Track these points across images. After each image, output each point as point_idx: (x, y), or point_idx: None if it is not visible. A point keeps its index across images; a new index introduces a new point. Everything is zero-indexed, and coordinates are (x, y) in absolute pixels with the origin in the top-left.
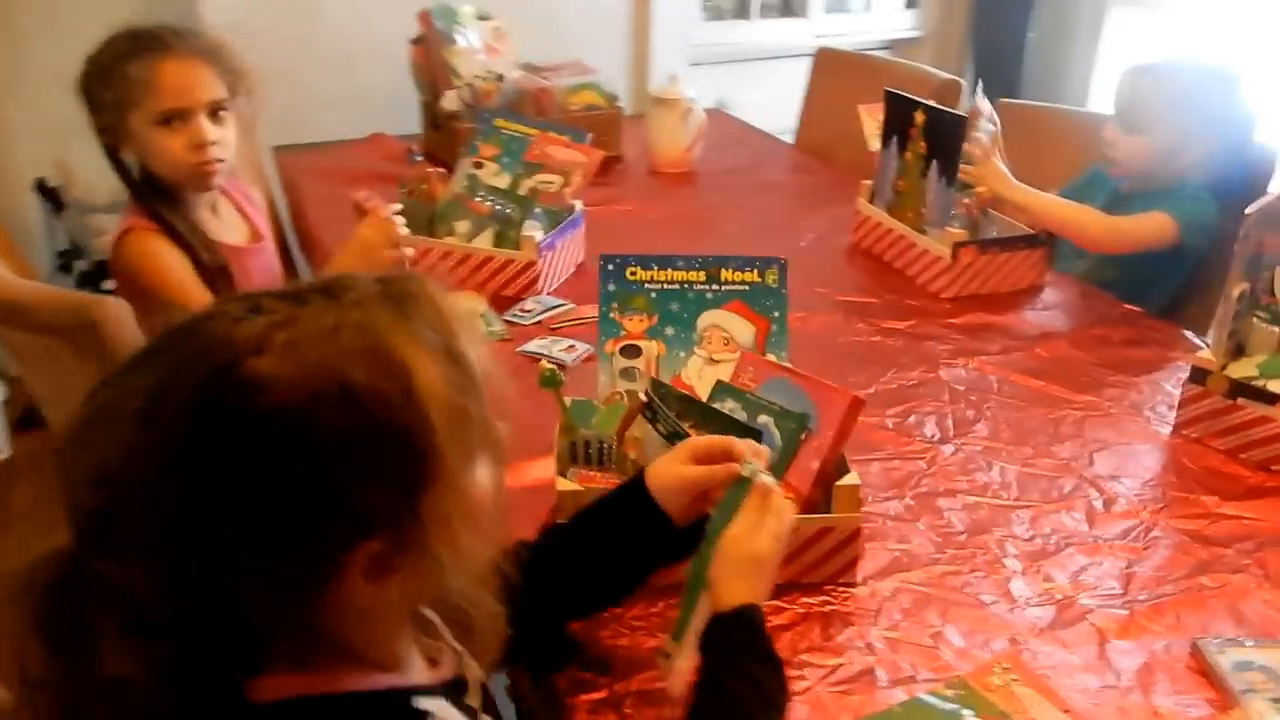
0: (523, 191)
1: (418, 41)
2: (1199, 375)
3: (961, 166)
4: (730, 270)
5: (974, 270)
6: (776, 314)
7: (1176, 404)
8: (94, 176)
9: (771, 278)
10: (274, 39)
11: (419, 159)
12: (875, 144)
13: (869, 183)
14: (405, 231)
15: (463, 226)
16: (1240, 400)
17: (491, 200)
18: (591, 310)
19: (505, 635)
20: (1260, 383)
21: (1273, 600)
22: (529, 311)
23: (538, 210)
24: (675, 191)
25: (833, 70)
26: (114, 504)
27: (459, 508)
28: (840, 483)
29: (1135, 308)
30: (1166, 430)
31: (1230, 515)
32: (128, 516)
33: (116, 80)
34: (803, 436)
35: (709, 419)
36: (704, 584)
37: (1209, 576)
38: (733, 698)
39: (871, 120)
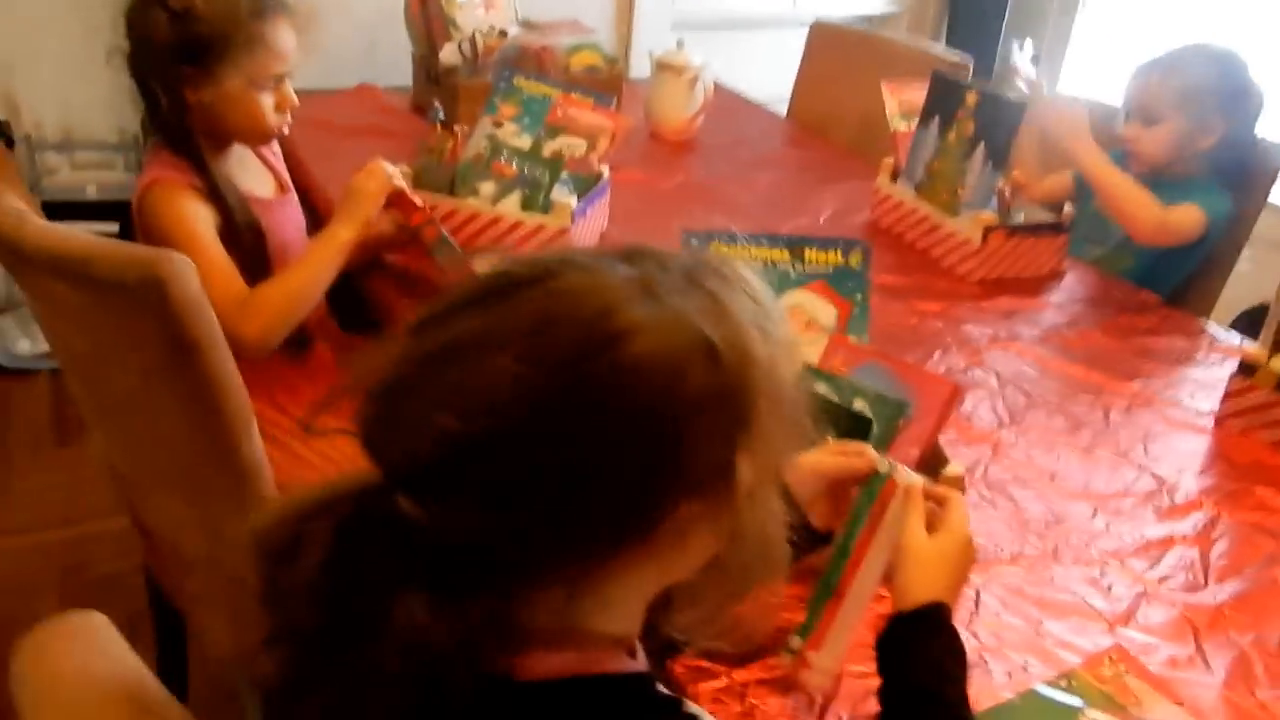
0: (546, 155)
1: None
2: (1247, 369)
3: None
4: (814, 250)
5: (1001, 255)
6: (858, 297)
7: (1217, 395)
8: (43, 111)
9: (855, 260)
10: None
11: (441, 118)
12: (899, 124)
13: (890, 160)
14: (403, 183)
15: (487, 189)
16: None
17: (518, 162)
18: None
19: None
20: None
21: None
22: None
23: (564, 175)
24: (679, 160)
25: (827, 44)
26: (464, 447)
27: (765, 480)
28: (946, 473)
29: (1151, 295)
30: (1207, 421)
31: None
32: (479, 460)
33: (227, 27)
34: (900, 423)
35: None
36: (832, 592)
37: None
38: (926, 695)
39: (894, 99)
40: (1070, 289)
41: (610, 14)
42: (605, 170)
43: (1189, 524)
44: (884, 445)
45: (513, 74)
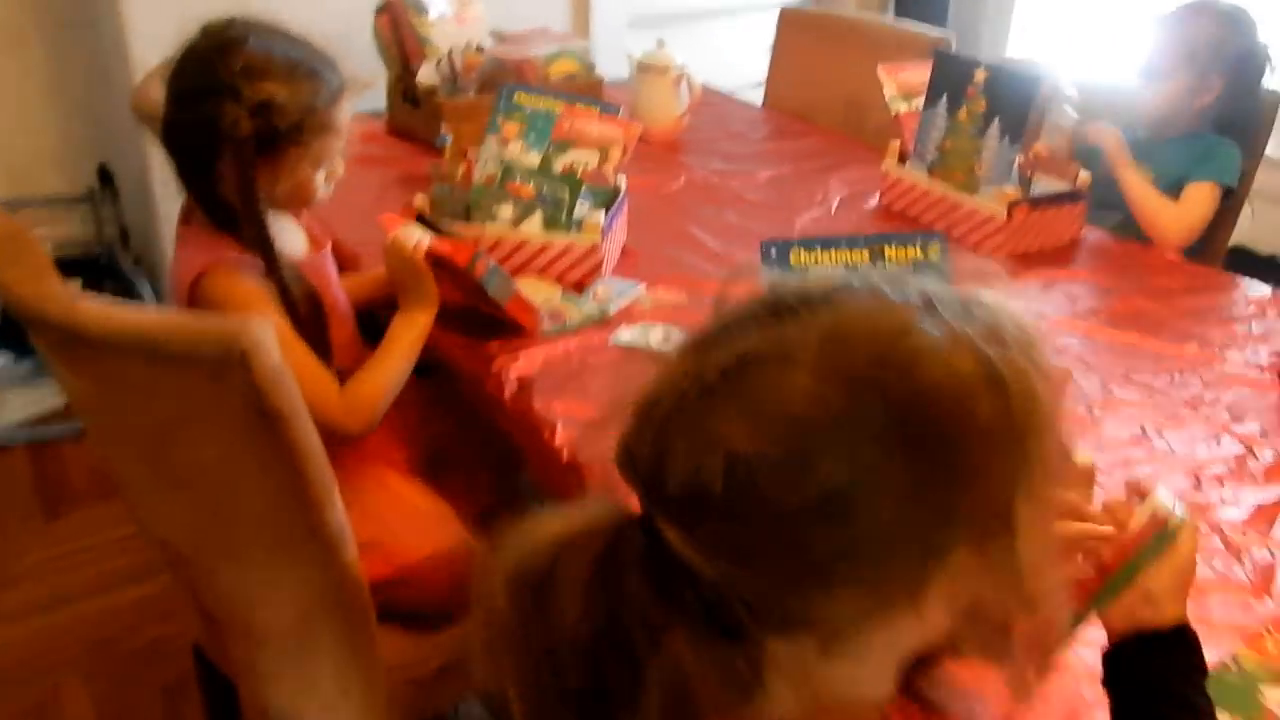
0: (557, 170)
1: (383, 10)
2: None
3: (1091, 129)
4: (893, 248)
5: (1025, 228)
6: None
7: (1266, 348)
8: None
9: (934, 253)
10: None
11: (449, 140)
12: (900, 105)
13: (896, 143)
14: (423, 234)
15: (505, 211)
16: None
17: (535, 181)
18: (671, 294)
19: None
20: None
21: None
22: (605, 298)
23: (585, 190)
24: (675, 161)
25: (798, 30)
26: (750, 469)
27: (1043, 521)
28: (1078, 462)
29: (1172, 256)
30: (1268, 375)
31: None
32: (761, 484)
33: (305, 117)
34: None
35: None
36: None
37: None
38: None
39: (892, 81)
40: (1094, 256)
41: (566, 16)
42: (622, 181)
43: None
44: None
45: (513, 90)
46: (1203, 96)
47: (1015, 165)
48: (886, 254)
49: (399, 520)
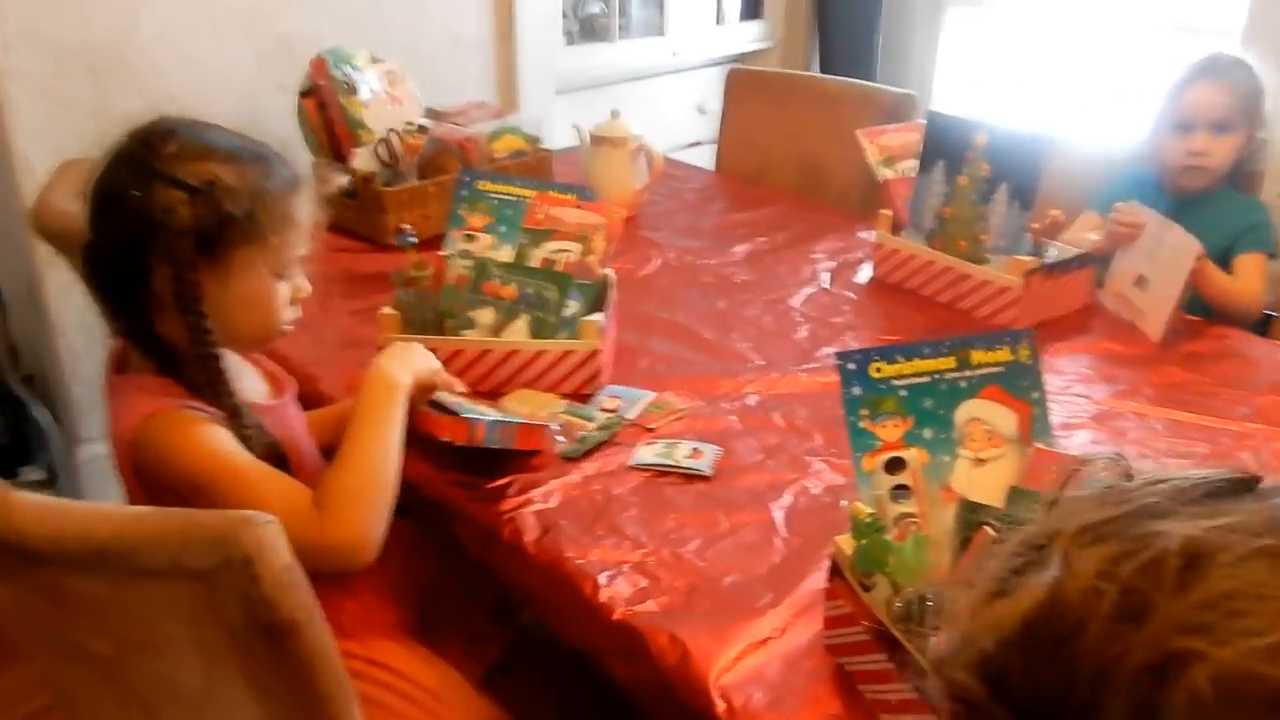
0: (533, 264)
1: (309, 93)
2: None
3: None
4: (980, 350)
5: (1041, 297)
6: (1035, 395)
7: None
8: None
9: (1025, 354)
10: (129, 95)
11: (411, 240)
12: (884, 171)
13: (888, 212)
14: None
15: (485, 317)
16: None
17: (516, 280)
18: (683, 399)
19: None
20: None
21: None
22: (613, 411)
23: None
24: (641, 240)
25: (748, 91)
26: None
27: None
28: None
29: (1188, 315)
30: None
31: None
32: None
33: (256, 205)
34: None
35: None
36: None
37: None
38: None
39: (873, 145)
40: (1108, 322)
41: (492, 86)
42: (611, 274)
43: None
44: None
45: (474, 177)
46: (1247, 147)
47: (1026, 232)
48: (973, 358)
49: (413, 711)
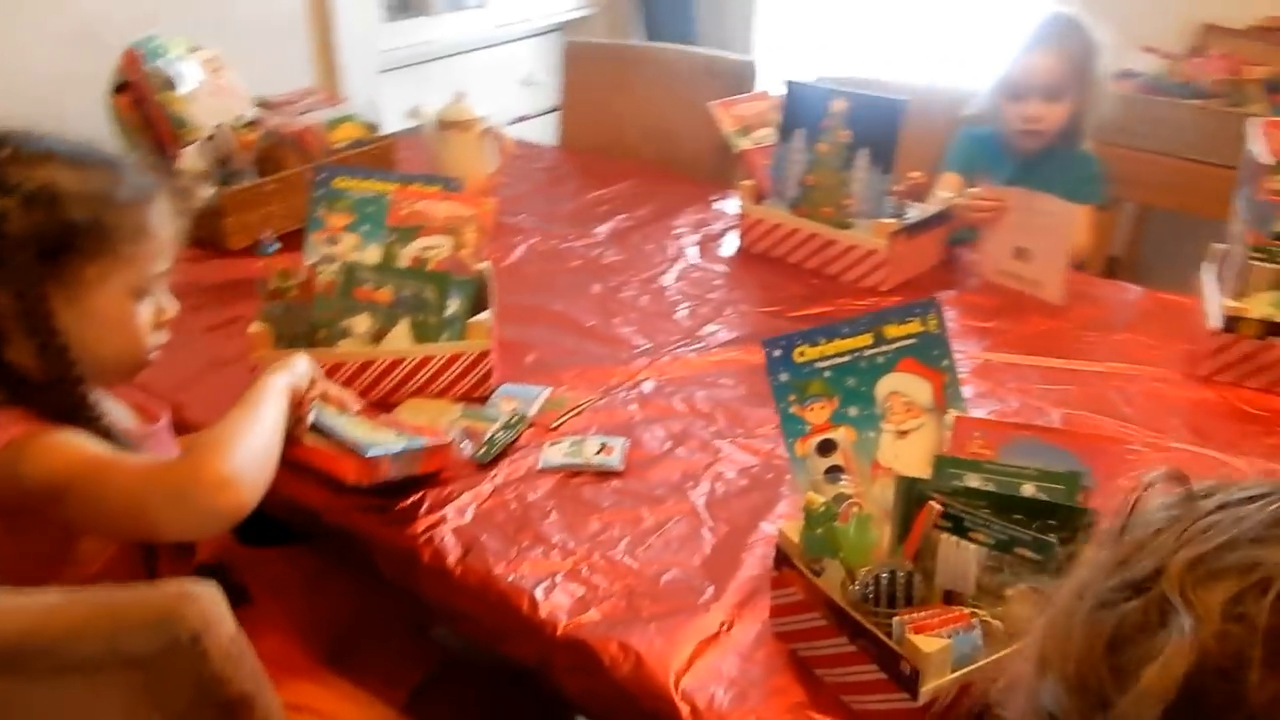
0: (402, 263)
1: (123, 89)
2: (1232, 324)
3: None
4: (894, 325)
5: (904, 257)
6: (945, 363)
7: (1172, 350)
8: None
9: (933, 324)
10: None
11: (275, 247)
12: (742, 141)
13: (750, 183)
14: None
15: (361, 325)
16: (1272, 339)
17: (392, 283)
18: (579, 392)
19: None
20: None
21: None
22: (512, 414)
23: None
24: (501, 224)
25: (588, 63)
26: None
27: None
28: None
29: None
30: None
31: None
32: None
33: (103, 211)
34: (1080, 498)
35: (1005, 508)
36: None
37: None
38: None
39: (728, 116)
40: (962, 278)
41: (310, 69)
42: (488, 267)
43: None
44: (1078, 529)
45: (330, 174)
46: (1082, 110)
47: (888, 195)
48: (888, 333)
49: None
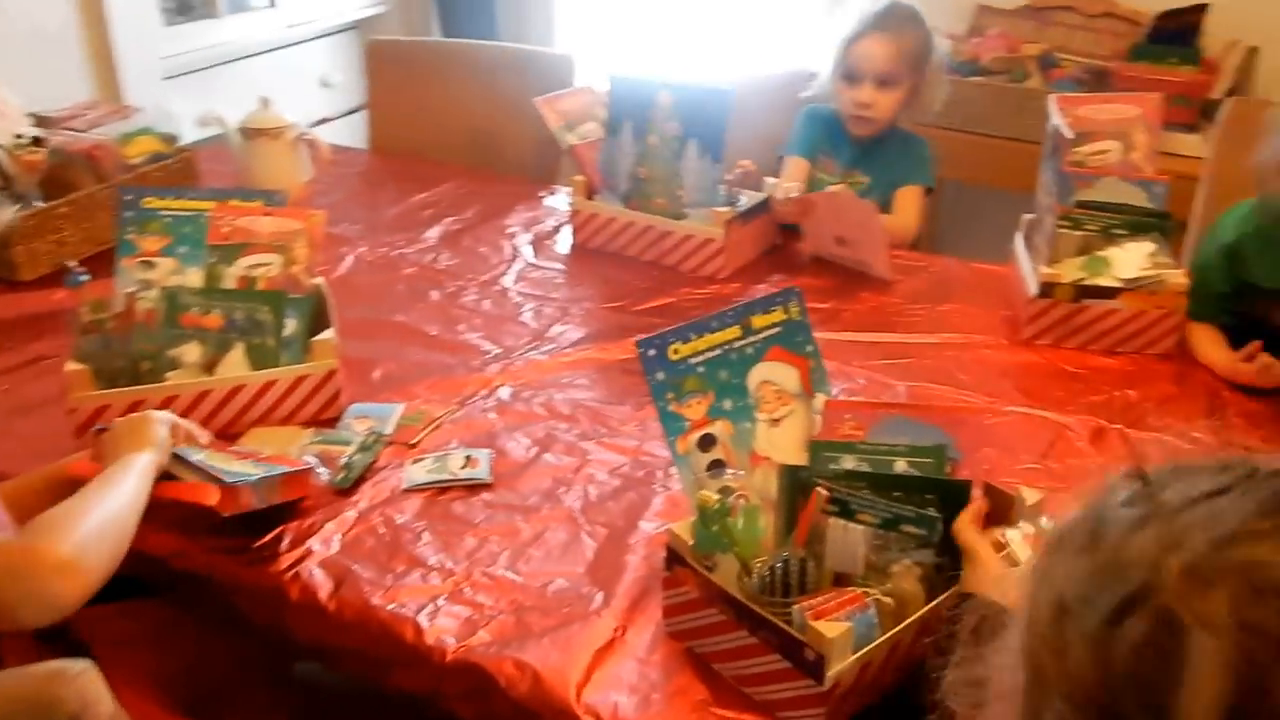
0: (228, 284)
1: None
2: (1047, 289)
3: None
4: (759, 315)
5: (739, 244)
6: (810, 348)
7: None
8: None
9: (795, 311)
10: None
11: (83, 278)
12: (569, 137)
13: (581, 178)
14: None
15: (190, 353)
16: (1085, 301)
17: (220, 306)
18: (435, 405)
19: None
20: (1093, 282)
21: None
22: (367, 434)
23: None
24: (325, 235)
25: (394, 63)
26: None
27: None
28: (1029, 501)
29: None
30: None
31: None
32: None
33: None
34: (948, 470)
35: (884, 487)
36: None
37: None
38: None
39: (553, 112)
40: (791, 260)
41: (87, 78)
42: (322, 283)
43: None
44: (953, 504)
45: (138, 194)
46: (914, 97)
47: (720, 184)
48: (754, 324)
49: None
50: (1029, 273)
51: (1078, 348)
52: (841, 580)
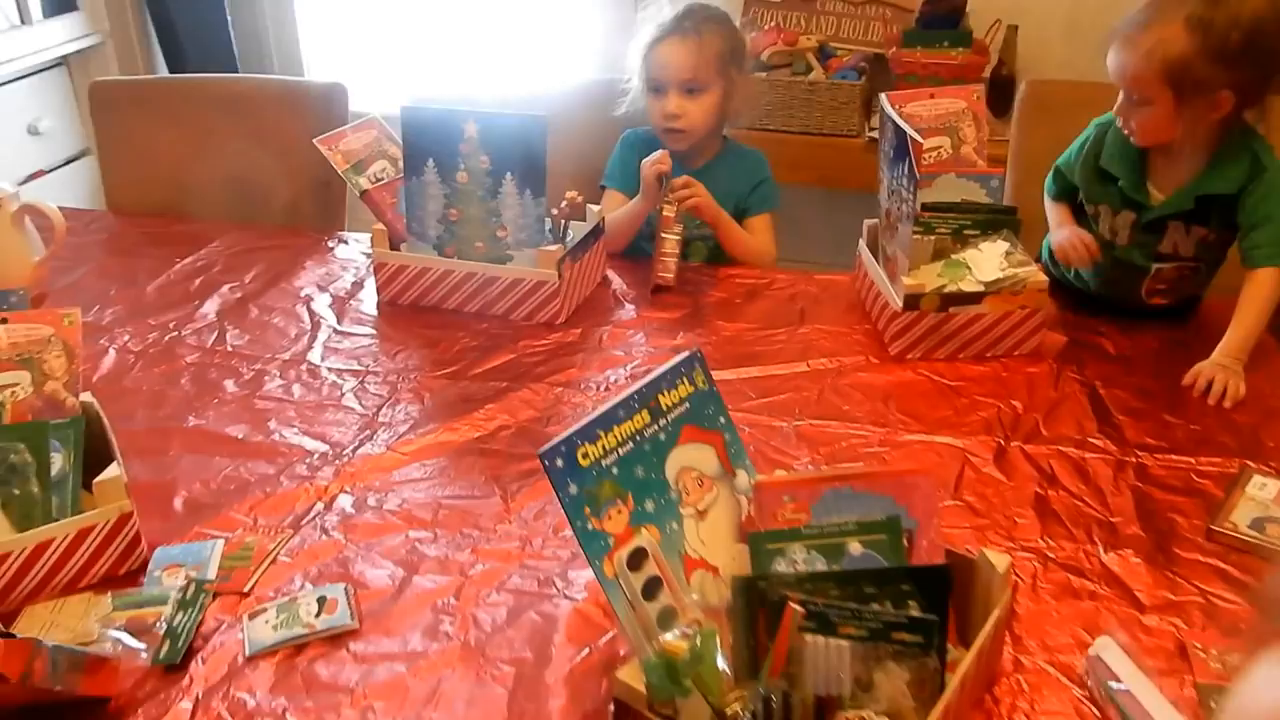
0: None
1: None
2: (913, 301)
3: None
4: (665, 393)
5: (574, 282)
6: (721, 420)
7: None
8: None
9: (700, 380)
10: None
11: None
12: (359, 181)
13: (380, 227)
14: None
15: None
16: (951, 309)
17: None
18: (263, 535)
19: None
20: (955, 288)
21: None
22: (184, 585)
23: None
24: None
25: (124, 106)
26: None
27: None
28: (995, 562)
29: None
30: (884, 361)
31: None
32: None
33: None
34: (906, 543)
35: (850, 583)
36: None
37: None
38: None
39: (335, 154)
40: (629, 294)
41: None
42: (90, 398)
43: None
44: (931, 591)
45: None
46: (729, 102)
47: (545, 219)
48: (663, 403)
49: None
50: (885, 284)
51: (946, 358)
52: (825, 704)
